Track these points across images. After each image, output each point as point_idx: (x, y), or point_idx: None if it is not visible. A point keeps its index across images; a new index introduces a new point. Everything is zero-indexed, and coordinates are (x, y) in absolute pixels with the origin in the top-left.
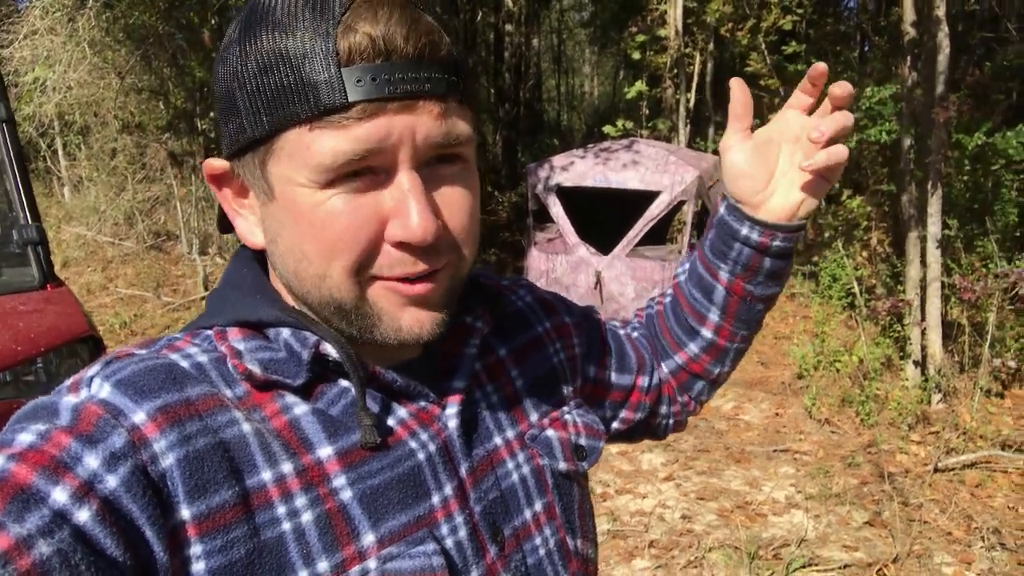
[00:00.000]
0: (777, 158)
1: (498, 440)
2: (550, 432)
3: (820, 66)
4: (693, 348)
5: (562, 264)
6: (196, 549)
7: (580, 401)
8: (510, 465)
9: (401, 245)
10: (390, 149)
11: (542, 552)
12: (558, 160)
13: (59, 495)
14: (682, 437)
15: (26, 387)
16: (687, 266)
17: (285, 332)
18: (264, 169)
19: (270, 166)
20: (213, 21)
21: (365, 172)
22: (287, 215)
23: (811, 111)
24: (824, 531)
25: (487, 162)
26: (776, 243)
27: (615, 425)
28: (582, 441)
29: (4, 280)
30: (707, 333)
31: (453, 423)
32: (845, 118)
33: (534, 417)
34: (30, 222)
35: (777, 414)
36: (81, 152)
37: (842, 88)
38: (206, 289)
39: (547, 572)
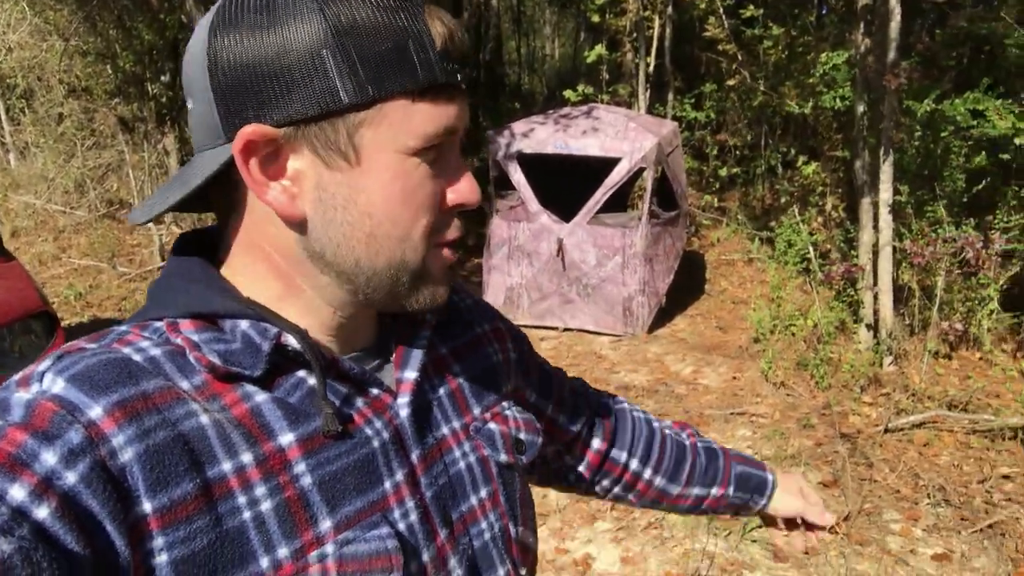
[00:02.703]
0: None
1: (445, 430)
2: (492, 425)
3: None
4: (642, 470)
5: (524, 232)
6: (158, 542)
7: (514, 401)
8: (457, 453)
9: (455, 210)
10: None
11: (487, 536)
12: (518, 127)
13: (17, 492)
14: (642, 401)
15: None
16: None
17: (243, 324)
18: (355, 134)
19: (364, 131)
20: None
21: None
22: (374, 180)
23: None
24: None
25: None
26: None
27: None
28: (521, 435)
29: None
30: (660, 480)
31: (404, 412)
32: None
33: (477, 411)
34: None
35: (735, 378)
36: (26, 117)
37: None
38: (163, 259)
39: (491, 555)
